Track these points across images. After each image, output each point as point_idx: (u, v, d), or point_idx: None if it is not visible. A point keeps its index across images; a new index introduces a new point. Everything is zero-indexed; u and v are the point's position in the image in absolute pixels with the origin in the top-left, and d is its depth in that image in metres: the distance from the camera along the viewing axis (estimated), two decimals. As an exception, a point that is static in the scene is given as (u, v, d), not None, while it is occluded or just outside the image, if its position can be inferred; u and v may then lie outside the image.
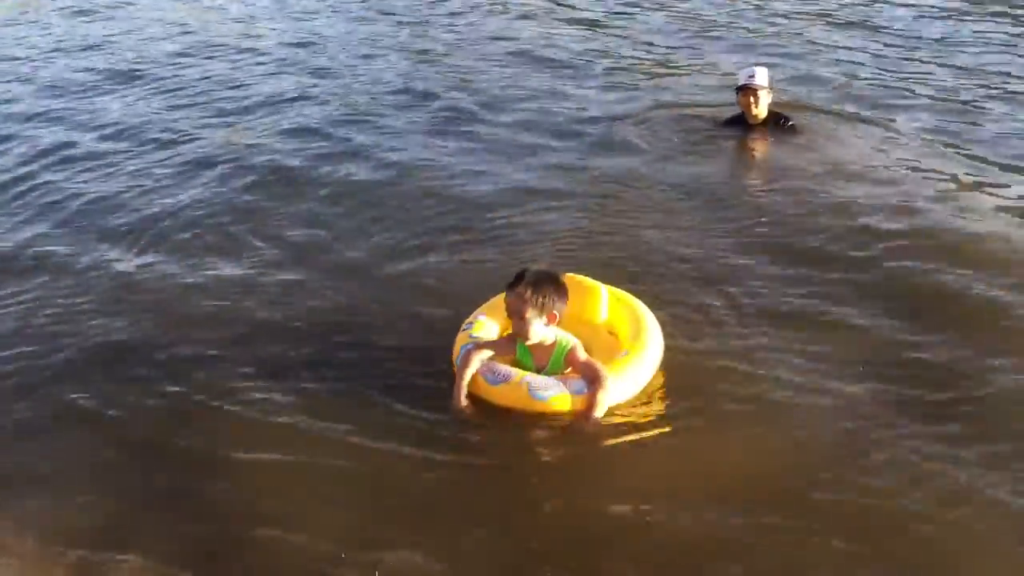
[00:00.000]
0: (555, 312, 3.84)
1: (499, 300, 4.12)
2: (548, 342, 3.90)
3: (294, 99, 8.60)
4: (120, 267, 5.34)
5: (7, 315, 4.77)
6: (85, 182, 6.79)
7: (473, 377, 3.92)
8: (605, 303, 4.17)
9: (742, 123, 7.39)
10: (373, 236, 5.75)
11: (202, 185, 6.59)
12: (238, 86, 9.19)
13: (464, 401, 3.90)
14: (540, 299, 3.79)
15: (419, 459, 3.65)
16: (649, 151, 7.26)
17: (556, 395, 3.79)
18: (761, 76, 7.23)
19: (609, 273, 4.78)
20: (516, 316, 3.84)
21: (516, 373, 3.87)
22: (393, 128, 7.82)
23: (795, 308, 4.73)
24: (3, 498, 3.49)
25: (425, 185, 6.55)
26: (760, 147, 7.32)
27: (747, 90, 7.19)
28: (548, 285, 3.83)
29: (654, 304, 4.47)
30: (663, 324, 4.31)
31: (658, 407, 3.94)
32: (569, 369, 3.90)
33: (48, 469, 3.65)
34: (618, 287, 4.50)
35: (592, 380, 3.78)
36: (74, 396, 4.06)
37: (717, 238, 5.62)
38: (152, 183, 6.71)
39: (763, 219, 5.93)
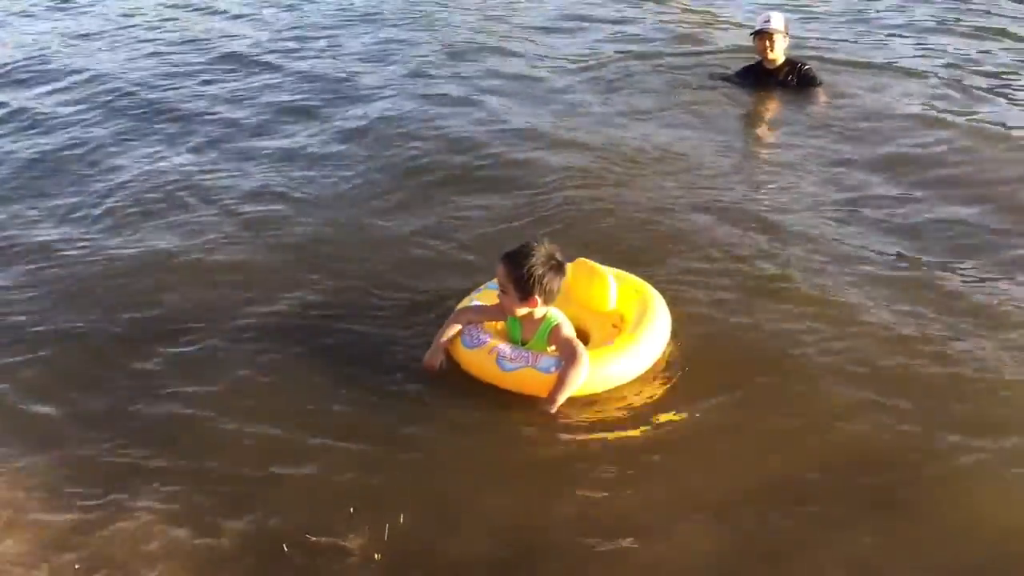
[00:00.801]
0: (548, 294, 3.67)
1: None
2: (538, 315, 3.72)
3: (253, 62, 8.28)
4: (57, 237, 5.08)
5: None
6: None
7: (454, 337, 3.78)
8: (614, 292, 3.93)
9: (758, 71, 7.44)
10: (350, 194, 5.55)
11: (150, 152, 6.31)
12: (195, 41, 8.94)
13: (439, 358, 3.76)
14: (534, 281, 3.59)
15: (403, 431, 3.47)
16: (660, 103, 7.17)
17: (520, 369, 3.58)
18: (777, 20, 7.25)
19: (608, 242, 4.70)
20: (504, 291, 3.67)
21: (491, 340, 3.70)
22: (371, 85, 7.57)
23: (815, 280, 4.45)
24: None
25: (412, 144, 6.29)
26: (774, 101, 7.25)
27: (763, 35, 7.24)
28: (547, 267, 3.61)
29: (660, 277, 4.31)
30: (678, 302, 4.11)
31: (661, 393, 3.69)
32: (553, 347, 3.71)
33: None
34: (624, 259, 4.36)
35: (566, 359, 3.58)
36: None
37: (724, 202, 5.36)
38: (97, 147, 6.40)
39: (772, 181, 5.70)
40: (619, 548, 2.95)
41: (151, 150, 6.29)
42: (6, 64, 8.35)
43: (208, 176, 5.81)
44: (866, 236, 4.88)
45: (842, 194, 5.43)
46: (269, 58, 8.35)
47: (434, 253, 4.77)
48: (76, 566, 2.84)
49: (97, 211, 5.35)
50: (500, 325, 3.89)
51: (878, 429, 3.45)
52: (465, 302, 3.99)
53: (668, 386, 3.71)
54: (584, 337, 3.88)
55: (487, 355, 3.65)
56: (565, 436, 3.47)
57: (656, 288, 4.08)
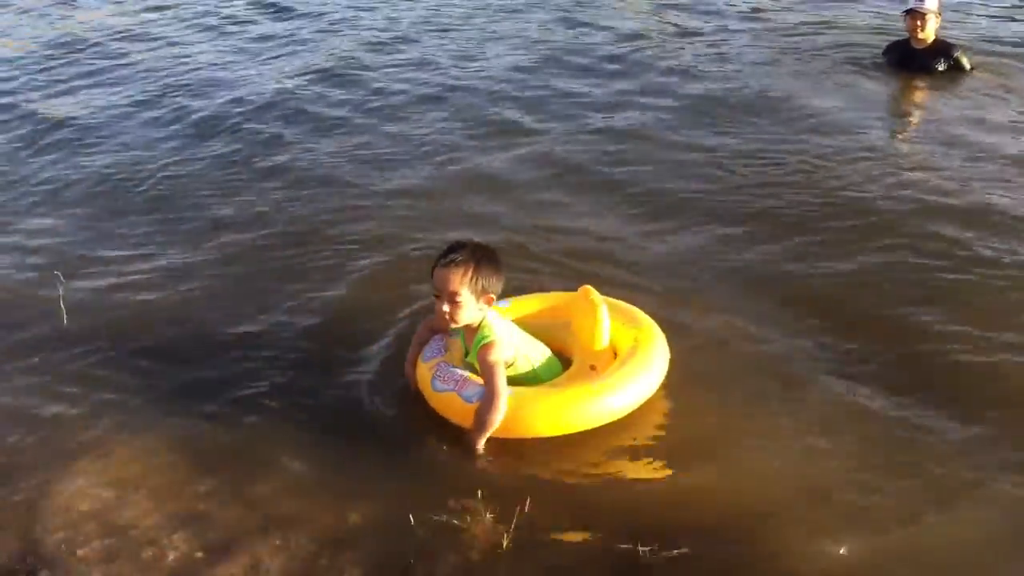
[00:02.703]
0: (492, 294, 3.28)
1: (532, 299, 3.72)
2: (475, 324, 3.32)
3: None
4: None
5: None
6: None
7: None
8: (606, 330, 3.45)
9: (903, 49, 7.17)
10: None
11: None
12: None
13: (411, 366, 3.50)
14: (478, 279, 3.22)
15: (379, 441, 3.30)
16: (799, 79, 7.00)
17: (445, 393, 3.26)
18: (930, 0, 6.94)
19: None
20: (447, 297, 3.21)
21: (440, 355, 3.41)
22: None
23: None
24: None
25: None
26: (916, 85, 6.95)
27: (914, 13, 6.97)
28: (487, 263, 3.26)
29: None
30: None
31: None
32: None
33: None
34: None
35: (484, 392, 3.18)
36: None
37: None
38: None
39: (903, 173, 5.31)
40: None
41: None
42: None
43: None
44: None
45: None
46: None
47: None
48: (196, 540, 2.84)
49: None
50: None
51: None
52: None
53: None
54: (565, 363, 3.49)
55: (428, 371, 3.36)
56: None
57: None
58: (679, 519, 2.89)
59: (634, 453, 3.20)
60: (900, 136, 6.21)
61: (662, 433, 3.30)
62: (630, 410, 3.28)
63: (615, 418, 3.25)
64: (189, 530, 2.87)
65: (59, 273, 4.34)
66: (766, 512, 2.91)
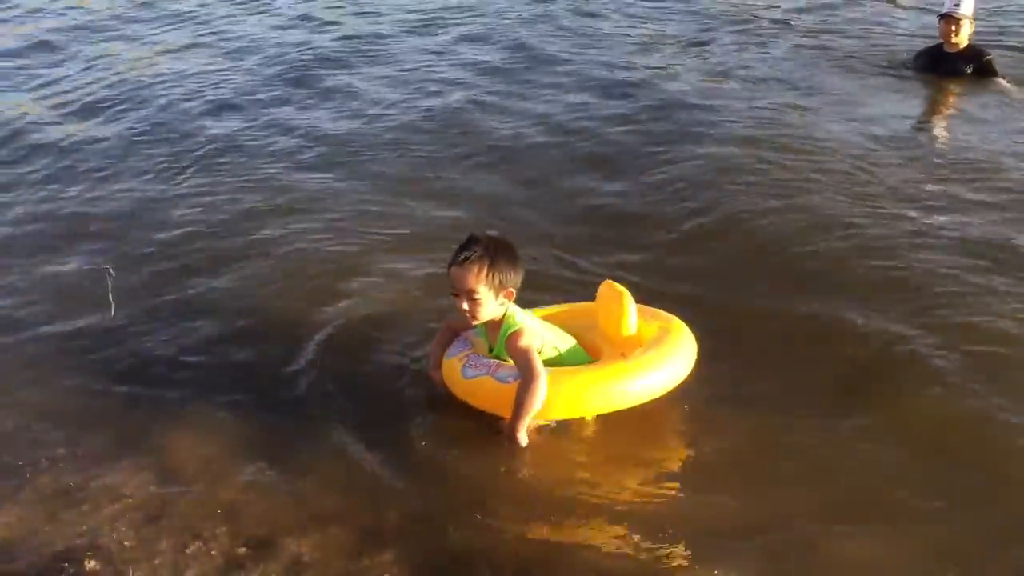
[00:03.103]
0: (511, 288, 3.24)
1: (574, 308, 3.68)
2: (498, 318, 3.29)
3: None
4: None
5: None
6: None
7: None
8: (633, 316, 3.43)
9: (935, 54, 7.20)
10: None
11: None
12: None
13: (436, 368, 3.48)
14: (494, 274, 3.18)
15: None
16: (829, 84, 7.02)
17: (479, 377, 3.22)
18: (966, 6, 6.99)
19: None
20: (465, 295, 3.18)
21: (467, 349, 3.39)
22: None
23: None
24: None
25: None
26: (946, 88, 7.00)
27: (949, 18, 7.03)
28: (503, 256, 3.21)
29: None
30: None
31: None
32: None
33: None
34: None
35: (521, 375, 3.13)
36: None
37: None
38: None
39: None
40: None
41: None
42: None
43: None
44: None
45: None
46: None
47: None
48: (239, 533, 2.90)
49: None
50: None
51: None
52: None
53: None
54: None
55: (457, 363, 3.32)
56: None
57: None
58: (719, 530, 2.91)
59: (674, 459, 3.27)
60: (934, 137, 6.24)
61: (698, 441, 3.33)
62: (664, 390, 3.28)
63: (650, 398, 3.24)
64: (232, 523, 2.93)
65: (109, 266, 4.40)
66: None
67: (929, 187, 5.15)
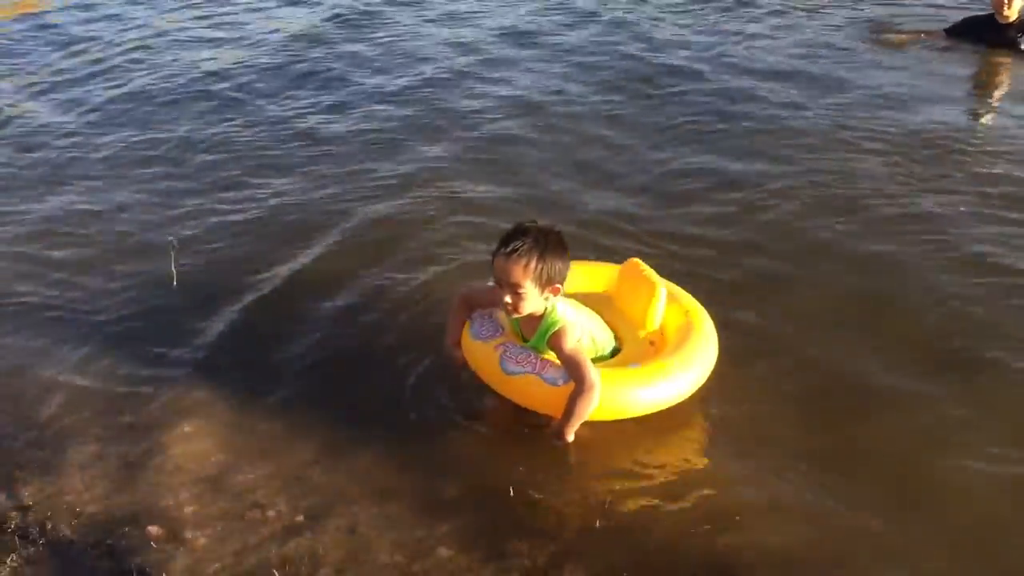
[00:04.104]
0: (558, 284, 3.09)
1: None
2: (539, 312, 3.14)
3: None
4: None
5: None
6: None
7: (467, 323, 3.36)
8: (661, 309, 3.33)
9: (986, 24, 7.06)
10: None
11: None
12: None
13: (456, 346, 3.37)
14: (543, 269, 3.01)
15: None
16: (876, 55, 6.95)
17: (523, 375, 3.07)
18: None
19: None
20: (509, 289, 3.02)
21: (500, 335, 3.23)
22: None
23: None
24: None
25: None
26: (998, 61, 6.84)
27: None
28: (552, 250, 3.03)
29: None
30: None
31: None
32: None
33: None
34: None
35: (574, 380, 3.01)
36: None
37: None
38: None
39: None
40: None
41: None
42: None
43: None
44: None
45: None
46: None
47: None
48: (297, 503, 2.93)
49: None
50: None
51: None
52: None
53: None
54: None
55: (492, 351, 3.16)
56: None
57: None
58: (774, 523, 2.85)
59: (723, 446, 3.19)
60: (989, 111, 6.14)
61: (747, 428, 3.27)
62: (698, 386, 3.23)
63: (691, 394, 3.20)
64: (290, 494, 2.97)
65: (172, 238, 4.50)
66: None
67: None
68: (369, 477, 3.04)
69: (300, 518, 2.87)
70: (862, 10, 7.92)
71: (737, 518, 2.83)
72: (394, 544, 2.78)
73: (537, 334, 3.15)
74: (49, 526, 2.86)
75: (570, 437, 3.10)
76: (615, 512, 2.88)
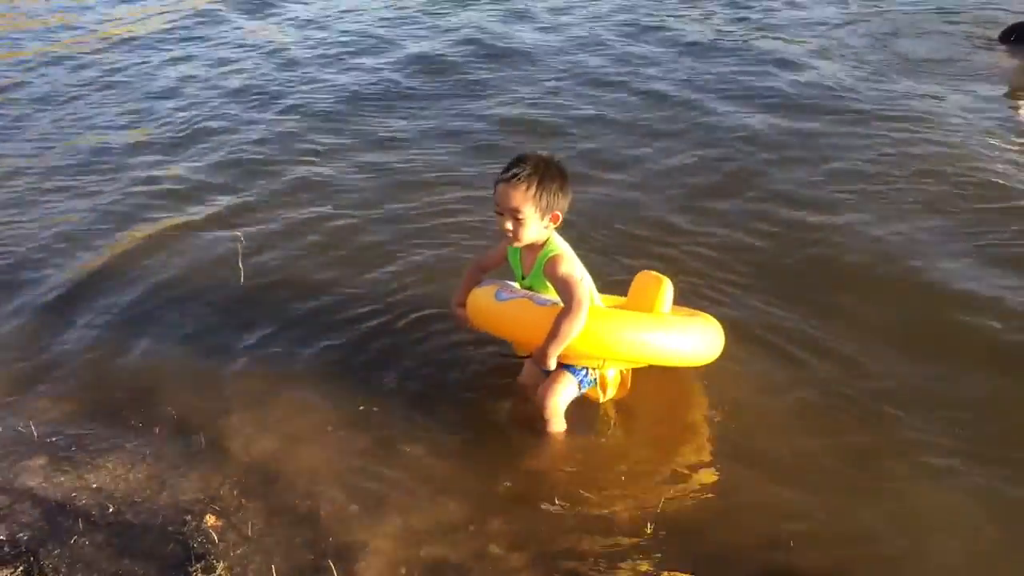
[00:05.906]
0: (558, 212, 3.11)
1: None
2: (539, 242, 3.16)
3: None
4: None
5: None
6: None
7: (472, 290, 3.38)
8: (669, 296, 3.30)
9: None
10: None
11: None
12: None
13: (460, 305, 3.39)
14: (542, 195, 3.04)
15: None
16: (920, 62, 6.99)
17: (513, 300, 3.11)
18: None
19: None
20: (509, 214, 3.06)
21: (500, 282, 3.30)
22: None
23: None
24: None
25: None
26: None
27: None
28: (552, 178, 3.06)
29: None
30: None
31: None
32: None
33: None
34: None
35: (564, 302, 3.00)
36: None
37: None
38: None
39: None
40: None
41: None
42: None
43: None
44: None
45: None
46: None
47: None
48: (351, 494, 2.97)
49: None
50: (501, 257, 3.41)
51: None
52: None
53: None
54: None
55: (489, 289, 3.23)
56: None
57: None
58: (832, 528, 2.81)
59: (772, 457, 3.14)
60: None
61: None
62: (695, 358, 3.25)
63: (682, 357, 3.20)
64: (344, 485, 3.00)
65: (240, 234, 4.61)
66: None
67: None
68: (423, 469, 3.07)
69: (354, 507, 2.90)
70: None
71: (791, 542, 2.76)
72: (446, 538, 2.79)
73: (536, 265, 3.16)
74: (111, 509, 2.93)
75: (552, 363, 3.04)
76: (666, 517, 2.85)
